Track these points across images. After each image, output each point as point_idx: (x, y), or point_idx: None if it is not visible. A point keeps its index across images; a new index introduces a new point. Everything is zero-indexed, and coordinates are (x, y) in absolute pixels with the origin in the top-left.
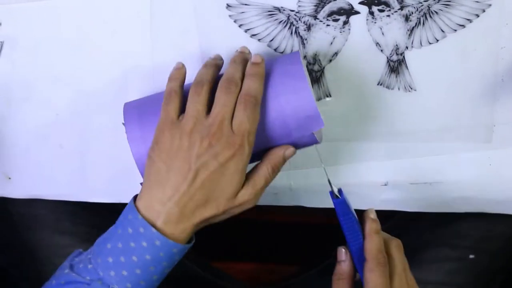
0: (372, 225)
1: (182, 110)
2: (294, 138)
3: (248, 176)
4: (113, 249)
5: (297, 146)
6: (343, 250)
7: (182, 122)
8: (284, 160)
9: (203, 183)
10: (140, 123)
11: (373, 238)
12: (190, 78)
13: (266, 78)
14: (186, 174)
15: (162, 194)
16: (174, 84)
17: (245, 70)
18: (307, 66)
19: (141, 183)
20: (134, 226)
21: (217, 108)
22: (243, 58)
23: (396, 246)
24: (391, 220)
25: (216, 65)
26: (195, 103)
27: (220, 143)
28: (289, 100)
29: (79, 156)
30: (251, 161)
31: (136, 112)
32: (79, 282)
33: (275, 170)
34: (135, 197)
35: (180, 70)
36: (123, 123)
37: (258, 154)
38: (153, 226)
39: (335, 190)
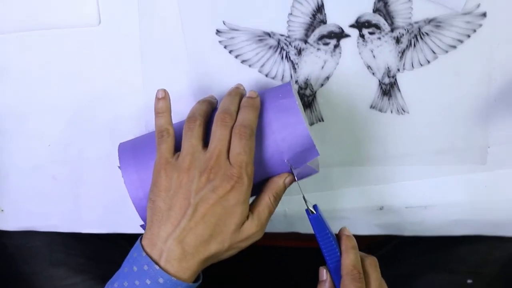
0: (347, 242)
1: (176, 146)
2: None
3: (251, 208)
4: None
5: (296, 177)
6: (324, 270)
7: (179, 160)
8: (285, 188)
9: (204, 218)
10: (136, 166)
11: (349, 254)
12: (184, 110)
13: (260, 113)
14: (186, 210)
15: (164, 232)
16: (163, 121)
17: (240, 103)
18: (298, 92)
19: (141, 225)
20: (139, 264)
21: (214, 143)
22: (237, 92)
23: (371, 263)
24: (388, 246)
25: (209, 101)
26: (190, 139)
27: (218, 177)
28: (285, 138)
29: (72, 187)
30: (251, 194)
31: (131, 155)
32: None
33: (277, 199)
34: (141, 236)
35: (164, 101)
36: (118, 167)
37: (258, 186)
38: (157, 264)
39: (310, 206)
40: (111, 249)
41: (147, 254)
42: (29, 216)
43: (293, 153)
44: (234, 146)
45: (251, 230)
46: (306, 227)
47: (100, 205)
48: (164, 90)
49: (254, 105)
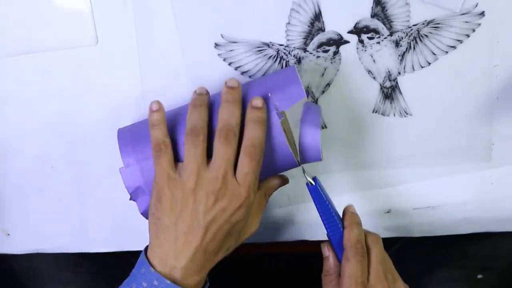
0: (352, 217)
1: (175, 156)
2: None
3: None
4: None
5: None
6: (326, 246)
7: (183, 177)
8: (278, 187)
9: (214, 237)
10: (135, 153)
11: (353, 228)
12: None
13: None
14: (196, 231)
15: (175, 251)
16: (159, 133)
17: (240, 109)
18: None
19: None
20: (148, 279)
21: (218, 162)
22: (235, 97)
23: (373, 239)
24: (396, 245)
25: (205, 104)
26: (194, 157)
27: (226, 197)
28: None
29: (77, 207)
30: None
31: (130, 140)
32: None
33: (270, 196)
34: (145, 251)
35: (158, 113)
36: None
37: (263, 175)
38: (171, 280)
39: (310, 178)
40: (119, 265)
41: (157, 270)
42: (36, 239)
43: (300, 151)
44: (243, 166)
45: (252, 231)
46: (314, 235)
47: (107, 224)
48: (158, 102)
49: (262, 119)
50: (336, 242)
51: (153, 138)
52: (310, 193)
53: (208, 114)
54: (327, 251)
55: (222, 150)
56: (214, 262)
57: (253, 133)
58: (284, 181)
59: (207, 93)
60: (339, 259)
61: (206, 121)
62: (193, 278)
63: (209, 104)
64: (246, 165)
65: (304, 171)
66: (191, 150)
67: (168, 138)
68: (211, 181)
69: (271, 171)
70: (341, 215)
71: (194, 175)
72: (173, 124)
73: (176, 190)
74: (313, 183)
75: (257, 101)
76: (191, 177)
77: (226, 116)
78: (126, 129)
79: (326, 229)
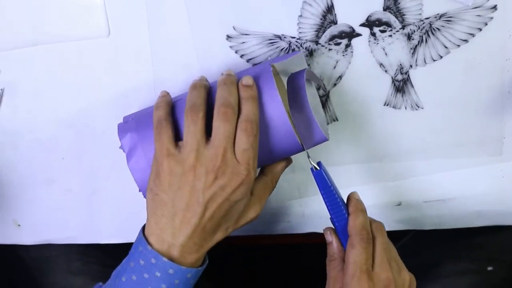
0: (357, 204)
1: (176, 134)
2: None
3: (253, 191)
4: (128, 282)
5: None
6: (328, 231)
7: (183, 154)
8: (283, 170)
9: (213, 215)
10: (138, 136)
11: (358, 214)
12: None
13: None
14: (196, 208)
15: (173, 228)
16: (161, 112)
17: (236, 92)
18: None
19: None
20: (146, 257)
21: (218, 139)
22: (232, 80)
23: (377, 227)
24: (407, 237)
25: (205, 86)
26: (194, 133)
27: (226, 175)
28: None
29: (87, 199)
30: (258, 166)
31: (134, 125)
32: None
33: (277, 181)
34: (143, 228)
35: (164, 98)
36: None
37: (266, 159)
38: (169, 257)
39: (314, 163)
40: None
41: (154, 248)
42: (46, 230)
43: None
44: (240, 142)
45: (253, 215)
46: (324, 226)
47: (116, 215)
48: (166, 91)
49: (254, 96)
50: (340, 228)
51: (155, 117)
52: (315, 178)
53: (208, 98)
54: (330, 236)
55: (221, 127)
56: (213, 241)
57: (247, 109)
58: (288, 162)
59: (207, 80)
60: (343, 244)
61: (206, 100)
62: (191, 256)
63: (209, 89)
64: (244, 141)
65: (308, 156)
66: (190, 127)
67: (170, 117)
68: (211, 158)
69: (276, 156)
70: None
71: (193, 151)
72: (177, 109)
73: (175, 166)
74: (317, 168)
75: (248, 80)
76: (190, 153)
77: (225, 94)
78: (129, 118)
79: (330, 214)
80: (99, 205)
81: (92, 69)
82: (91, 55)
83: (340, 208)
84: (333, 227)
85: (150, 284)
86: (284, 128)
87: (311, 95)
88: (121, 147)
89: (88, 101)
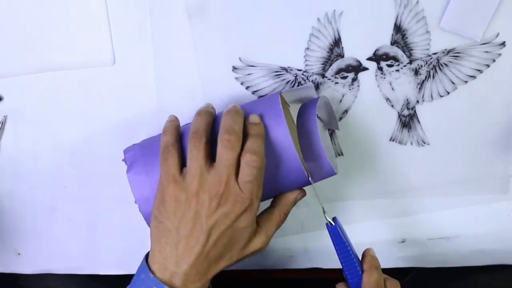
0: (372, 261)
1: (182, 162)
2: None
3: (259, 222)
4: None
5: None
6: (341, 287)
7: (187, 181)
8: (295, 203)
9: (216, 242)
10: (144, 165)
11: (373, 271)
12: None
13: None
14: (199, 236)
15: (176, 256)
16: (169, 138)
17: (241, 122)
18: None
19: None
20: (148, 285)
21: (221, 166)
22: (237, 110)
23: (393, 285)
24: (409, 274)
25: (210, 112)
26: (197, 159)
27: (229, 202)
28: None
29: (89, 229)
30: (264, 199)
31: (140, 152)
32: None
33: (287, 215)
34: (146, 256)
35: (173, 123)
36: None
37: (272, 193)
38: (171, 286)
39: (330, 219)
40: None
41: (157, 276)
42: (46, 259)
43: (312, 168)
44: (244, 174)
45: (258, 246)
46: (327, 263)
47: (118, 247)
48: (175, 116)
49: (261, 134)
50: (353, 284)
51: (162, 142)
52: (329, 234)
53: (214, 126)
54: None
55: (225, 154)
56: (216, 270)
57: (251, 142)
58: (301, 194)
59: (213, 107)
60: None
61: (209, 126)
62: (194, 284)
63: (215, 117)
64: (247, 173)
65: (324, 211)
66: (193, 153)
67: (177, 143)
68: (214, 185)
69: (282, 189)
70: (360, 257)
71: (197, 177)
72: (185, 136)
73: (179, 193)
74: (333, 223)
75: (255, 118)
76: (194, 179)
77: (229, 122)
78: (135, 145)
79: (344, 271)
80: (101, 236)
81: (96, 97)
82: (96, 84)
83: (354, 264)
84: (345, 282)
85: None
86: (291, 159)
87: (321, 128)
88: (123, 160)
89: (92, 130)
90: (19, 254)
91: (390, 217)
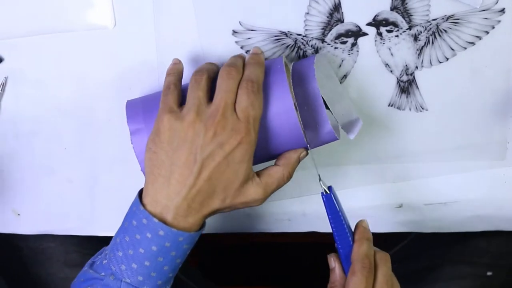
0: (363, 232)
1: (182, 102)
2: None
3: (260, 175)
4: (122, 243)
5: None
6: (332, 257)
7: (184, 111)
8: (299, 162)
9: (210, 175)
10: (144, 117)
11: (363, 243)
12: None
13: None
14: (192, 167)
15: (168, 188)
16: (172, 78)
17: (242, 61)
18: None
19: (142, 170)
20: (138, 218)
21: (220, 95)
22: (240, 55)
23: (382, 258)
24: (406, 239)
25: (213, 63)
26: (196, 90)
27: (225, 131)
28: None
29: (88, 190)
30: (260, 161)
31: (141, 106)
32: (95, 279)
33: (291, 174)
34: (140, 191)
35: (177, 65)
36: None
37: (266, 152)
38: (163, 220)
39: (325, 187)
40: None
41: (147, 209)
42: (45, 220)
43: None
44: (241, 100)
45: (253, 196)
46: (325, 227)
47: (117, 208)
48: (179, 59)
49: (259, 61)
50: (344, 255)
51: (165, 82)
52: (324, 202)
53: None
54: (333, 262)
55: (223, 84)
56: (209, 208)
57: (250, 70)
58: (303, 153)
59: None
60: (345, 272)
61: (214, 70)
62: (185, 219)
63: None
64: (245, 99)
65: (320, 179)
66: (193, 86)
67: (179, 83)
68: (211, 114)
69: (281, 151)
70: (353, 228)
71: (194, 107)
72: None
73: (175, 122)
74: (328, 192)
75: (256, 49)
76: (191, 109)
77: (231, 59)
78: (137, 100)
79: (336, 241)
80: (100, 197)
81: (96, 60)
82: (96, 46)
83: (346, 235)
84: (337, 253)
85: (141, 245)
86: (292, 125)
87: (330, 85)
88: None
89: (92, 92)
90: (18, 214)
91: (387, 182)
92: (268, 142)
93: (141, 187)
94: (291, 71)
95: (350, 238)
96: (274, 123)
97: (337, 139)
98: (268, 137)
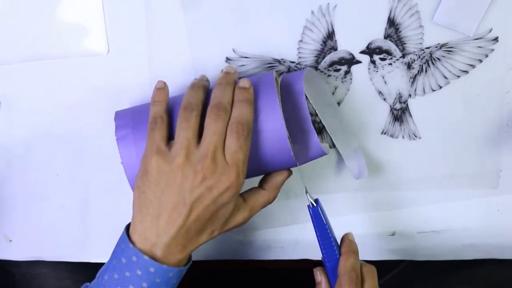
0: (350, 245)
1: (170, 134)
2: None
3: (246, 198)
4: (111, 280)
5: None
6: (318, 271)
7: (172, 153)
8: (283, 184)
9: (198, 217)
10: (133, 127)
11: (350, 255)
12: None
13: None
14: (181, 209)
15: (157, 227)
16: (158, 108)
17: (231, 93)
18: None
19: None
20: (127, 255)
21: (208, 138)
22: (229, 80)
23: (369, 271)
24: (399, 267)
25: (203, 86)
26: (185, 131)
27: (215, 176)
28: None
29: (80, 216)
30: (247, 176)
31: (130, 117)
32: None
33: (275, 196)
34: (127, 227)
35: (162, 91)
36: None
37: (257, 170)
38: (152, 257)
39: (312, 200)
40: None
41: (137, 246)
42: (37, 246)
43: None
44: (231, 144)
45: (240, 221)
46: (318, 254)
47: (109, 235)
48: (164, 82)
49: (249, 99)
50: (331, 268)
51: (151, 113)
52: (310, 215)
53: (207, 100)
54: (319, 276)
55: (212, 125)
56: (198, 243)
57: (240, 111)
58: (288, 173)
59: (207, 80)
60: (332, 285)
61: (202, 101)
62: (174, 256)
63: (208, 90)
64: (234, 143)
65: (306, 191)
66: (183, 124)
67: (166, 114)
68: (200, 158)
69: (269, 168)
70: (339, 242)
71: (183, 149)
72: (174, 107)
73: (163, 164)
74: (314, 204)
75: (244, 82)
76: (180, 152)
77: (218, 95)
78: (127, 109)
79: (322, 254)
80: (92, 223)
81: (90, 86)
82: (90, 72)
83: (333, 248)
84: (323, 267)
85: (131, 283)
86: (279, 139)
87: (321, 101)
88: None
89: (85, 119)
90: (10, 241)
91: (380, 210)
92: (256, 158)
93: (128, 223)
94: (280, 84)
95: (336, 251)
96: (263, 139)
97: (326, 154)
98: (256, 153)
